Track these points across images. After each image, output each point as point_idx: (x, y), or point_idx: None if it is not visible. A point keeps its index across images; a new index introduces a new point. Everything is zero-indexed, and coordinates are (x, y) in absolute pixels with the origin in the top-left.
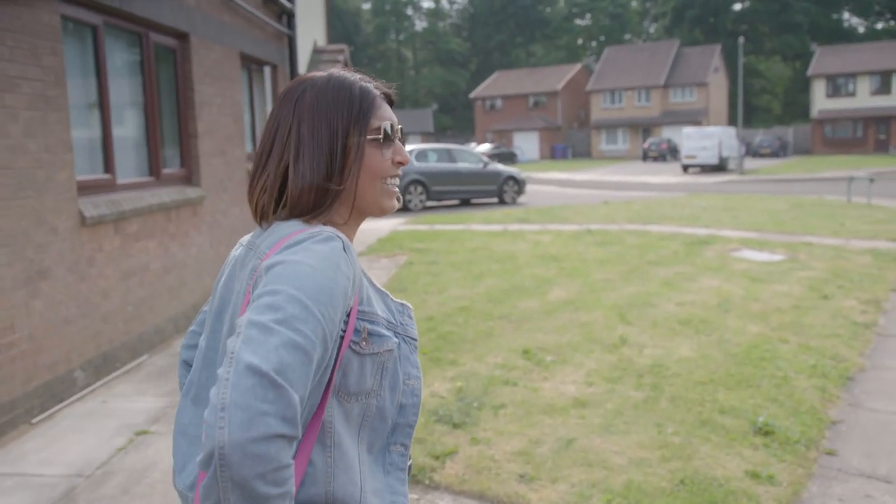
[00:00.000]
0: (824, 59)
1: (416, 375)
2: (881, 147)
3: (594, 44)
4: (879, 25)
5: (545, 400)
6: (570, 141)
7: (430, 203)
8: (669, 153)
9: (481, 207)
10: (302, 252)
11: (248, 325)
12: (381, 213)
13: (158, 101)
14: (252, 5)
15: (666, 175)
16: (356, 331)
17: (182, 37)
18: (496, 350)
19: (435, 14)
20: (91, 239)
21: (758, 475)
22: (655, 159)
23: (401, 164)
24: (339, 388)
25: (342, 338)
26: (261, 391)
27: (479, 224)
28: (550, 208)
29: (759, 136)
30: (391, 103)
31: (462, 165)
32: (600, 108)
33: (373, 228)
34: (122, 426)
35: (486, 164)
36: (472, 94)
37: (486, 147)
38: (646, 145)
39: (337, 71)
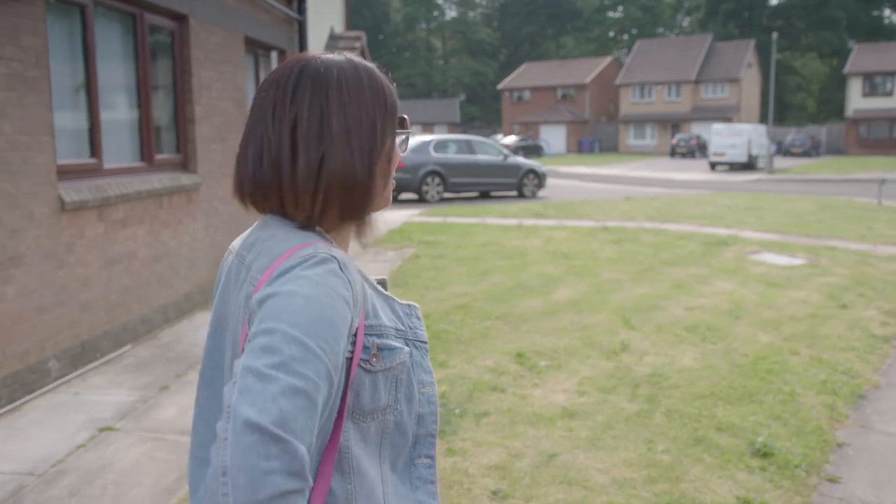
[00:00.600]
0: (862, 57)
1: (429, 381)
2: None
3: (626, 37)
4: None
5: (532, 409)
6: (598, 135)
7: (447, 195)
8: (698, 150)
9: (500, 200)
10: (294, 281)
11: (243, 372)
12: (386, 206)
13: (153, 84)
14: None
15: (693, 172)
16: (365, 348)
17: (180, 18)
18: (489, 352)
19: (465, 3)
20: (71, 225)
21: (749, 502)
22: (684, 156)
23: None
24: (352, 409)
25: (350, 359)
26: (263, 448)
27: (494, 218)
28: (570, 203)
29: (791, 135)
30: None
31: (481, 157)
32: (629, 103)
33: (386, 219)
34: (89, 421)
35: (506, 157)
36: (500, 86)
37: (512, 139)
38: (674, 141)
39: (352, 56)
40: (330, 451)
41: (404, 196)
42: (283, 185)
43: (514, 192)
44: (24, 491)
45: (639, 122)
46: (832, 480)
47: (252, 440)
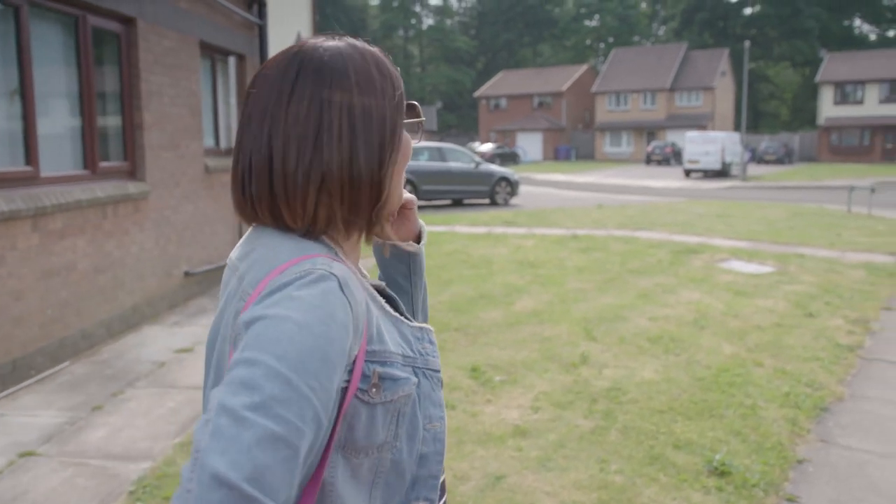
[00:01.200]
0: (833, 66)
1: (439, 416)
2: (888, 156)
3: (602, 45)
4: (891, 33)
5: (482, 427)
6: (575, 142)
7: (419, 203)
8: (673, 157)
9: (472, 208)
10: (286, 303)
11: (218, 411)
12: (398, 206)
13: (98, 89)
14: None
15: (668, 179)
16: (364, 376)
17: (127, 21)
18: (443, 367)
19: (443, 12)
20: (2, 235)
21: None
22: (659, 163)
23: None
24: (344, 443)
25: (345, 389)
26: None
27: (464, 226)
28: (542, 211)
29: (765, 142)
30: None
31: (453, 165)
32: (605, 110)
33: None
34: (10, 445)
35: (478, 165)
36: (477, 93)
37: (488, 146)
38: (650, 149)
39: (354, 40)
40: (312, 487)
41: None
42: (276, 195)
43: (487, 200)
44: None
45: (615, 129)
46: (791, 500)
47: (219, 497)
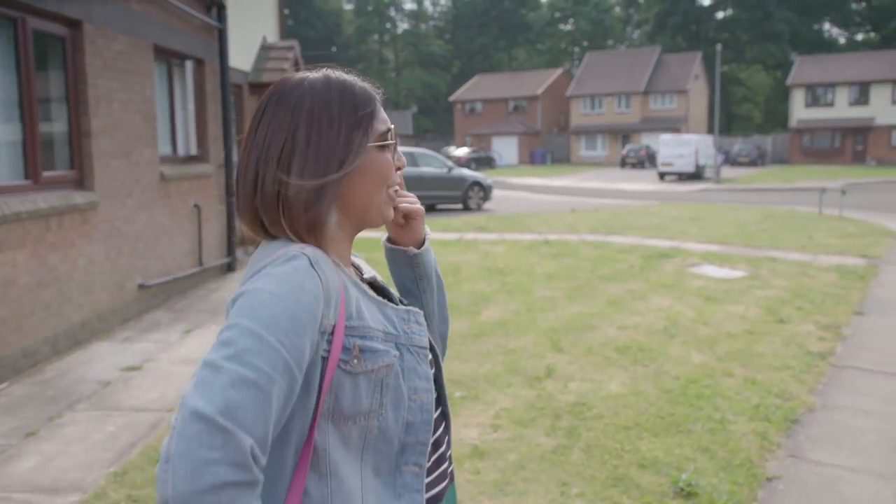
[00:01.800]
0: (804, 69)
1: (424, 388)
2: (858, 158)
3: (577, 49)
4: (860, 37)
5: None
6: (550, 146)
7: None
8: (648, 160)
9: (445, 214)
10: (262, 279)
11: (202, 365)
12: (384, 222)
13: (41, 95)
14: None
15: (642, 182)
16: (345, 349)
17: (73, 24)
18: None
19: (417, 16)
20: None
21: None
22: (634, 166)
23: (398, 168)
24: (333, 412)
25: (326, 359)
26: (206, 438)
27: (436, 232)
28: (514, 216)
29: (738, 145)
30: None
31: (425, 170)
32: (580, 114)
33: None
34: None
35: (450, 169)
36: (452, 97)
37: (464, 151)
38: (624, 152)
39: (333, 71)
40: (305, 454)
41: None
42: (258, 210)
43: (460, 205)
44: None
45: (590, 133)
46: None
47: (196, 429)
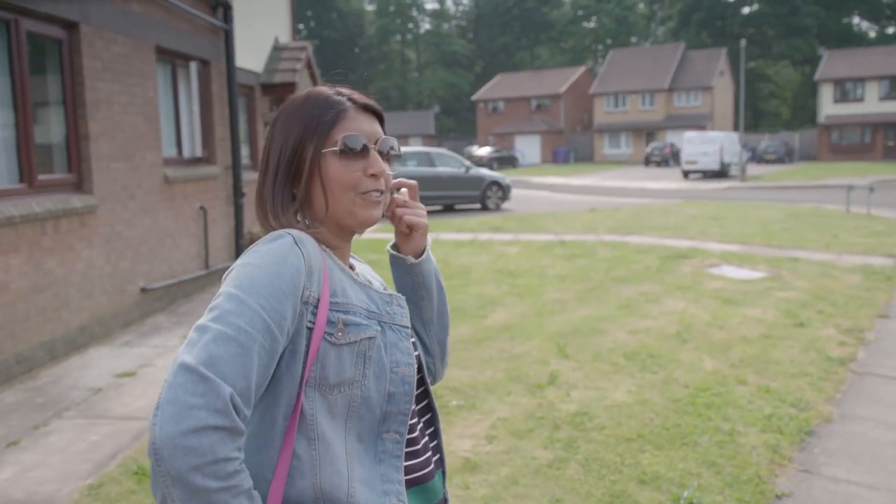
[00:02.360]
0: (832, 64)
1: (406, 362)
2: (889, 154)
3: (600, 47)
4: (890, 30)
5: None
6: (573, 145)
7: None
8: (672, 158)
9: (462, 214)
10: (249, 254)
11: (192, 330)
12: (359, 224)
13: (37, 98)
14: None
15: (666, 181)
16: (330, 322)
17: (70, 26)
18: None
19: (439, 16)
20: None
21: None
22: (658, 164)
23: (374, 175)
24: (319, 381)
25: (311, 329)
26: (191, 386)
27: (450, 233)
28: (532, 216)
29: (765, 142)
30: (379, 115)
31: (442, 170)
32: (604, 112)
33: None
34: None
35: (468, 169)
36: (474, 97)
37: (486, 150)
38: (648, 150)
39: (320, 87)
40: (294, 419)
41: None
42: (257, 202)
43: (478, 205)
44: None
45: (613, 131)
46: None
47: (183, 379)
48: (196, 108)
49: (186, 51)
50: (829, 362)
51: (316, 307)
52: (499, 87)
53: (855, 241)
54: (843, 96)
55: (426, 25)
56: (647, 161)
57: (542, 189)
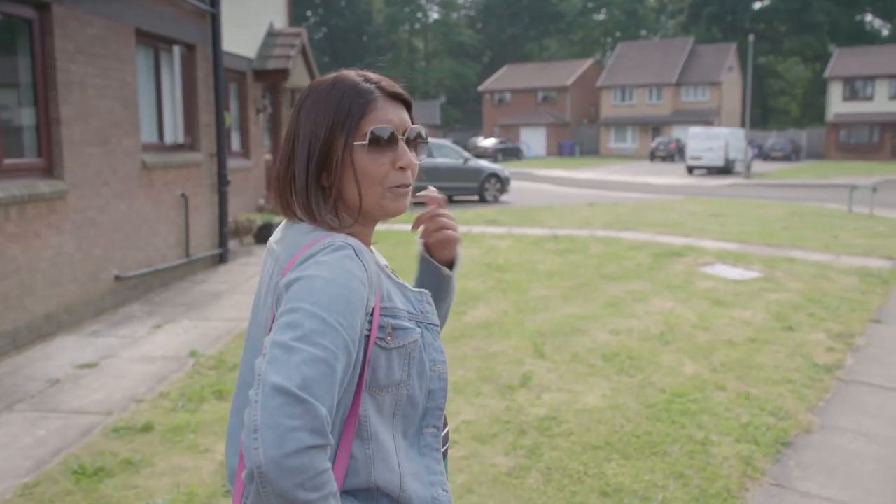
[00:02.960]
0: (842, 61)
1: (440, 360)
2: None
3: (609, 40)
4: None
5: None
6: (579, 137)
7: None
8: (678, 153)
9: (459, 205)
10: (315, 266)
11: (271, 345)
12: (387, 216)
13: (3, 80)
14: None
15: (670, 176)
16: (380, 327)
17: (42, 7)
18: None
19: (448, 5)
20: None
21: None
22: (664, 159)
23: (403, 168)
24: (370, 383)
25: (367, 337)
26: (288, 409)
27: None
28: (529, 209)
29: (772, 139)
30: (407, 103)
31: (440, 161)
32: (610, 105)
33: None
34: None
35: (466, 160)
36: (481, 88)
37: (491, 141)
38: (654, 144)
39: (347, 72)
40: (351, 420)
41: None
42: (280, 189)
43: (476, 197)
44: None
45: (620, 124)
46: None
47: (279, 402)
48: (179, 93)
49: (169, 34)
50: (814, 369)
51: (371, 315)
52: (506, 78)
53: (855, 241)
54: (852, 94)
55: (434, 15)
56: (653, 156)
57: (545, 182)
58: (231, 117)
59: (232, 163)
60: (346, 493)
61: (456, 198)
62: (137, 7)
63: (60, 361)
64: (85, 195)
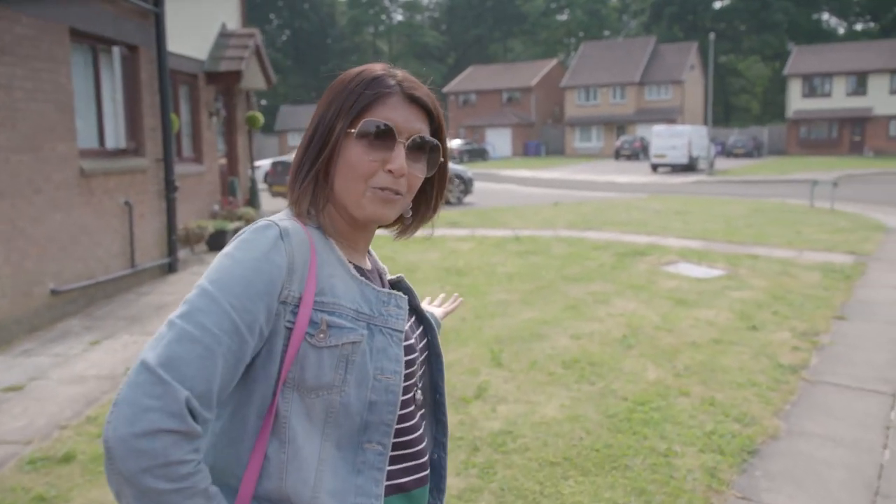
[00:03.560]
0: (801, 59)
1: (392, 370)
2: (856, 148)
3: (573, 40)
4: (858, 26)
5: None
6: (544, 138)
7: None
8: (642, 152)
9: None
10: (234, 244)
11: (164, 323)
12: (366, 218)
13: None
14: None
15: (635, 174)
16: (313, 322)
17: None
18: None
19: (412, 7)
20: None
21: None
22: (628, 158)
23: (391, 172)
24: (297, 383)
25: (290, 329)
26: (149, 387)
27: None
28: (493, 210)
29: (734, 136)
30: (429, 111)
31: None
32: (575, 105)
33: None
34: None
35: None
36: (446, 89)
37: (457, 143)
38: (618, 143)
39: (375, 65)
40: (267, 419)
41: None
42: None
43: None
44: None
45: (584, 124)
46: None
47: (143, 379)
48: (120, 96)
49: (109, 35)
50: (779, 370)
51: (297, 306)
52: (470, 79)
53: (817, 237)
54: (811, 91)
55: (398, 17)
56: (618, 155)
57: (510, 182)
58: (182, 121)
59: (183, 168)
60: (258, 498)
61: None
62: (72, 5)
63: None
64: (14, 205)
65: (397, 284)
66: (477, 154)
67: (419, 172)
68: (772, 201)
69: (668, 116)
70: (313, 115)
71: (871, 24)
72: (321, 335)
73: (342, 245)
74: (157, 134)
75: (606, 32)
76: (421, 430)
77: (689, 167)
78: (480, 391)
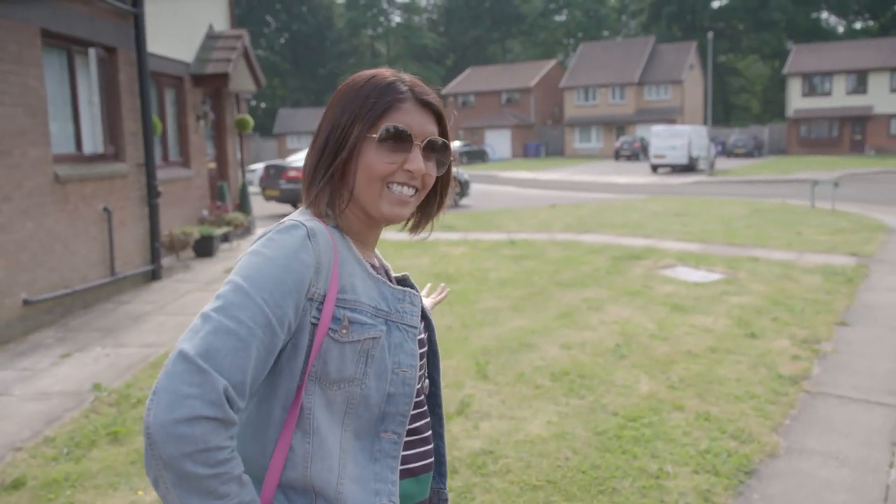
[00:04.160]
0: (800, 58)
1: (409, 364)
2: (856, 147)
3: (571, 40)
4: (858, 25)
5: None
6: (544, 139)
7: None
8: (642, 152)
9: None
10: (262, 243)
11: (198, 316)
12: (383, 217)
13: None
14: None
15: (635, 175)
16: (336, 319)
17: None
18: None
19: (410, 9)
20: None
21: None
22: (628, 158)
23: (410, 172)
24: (320, 376)
25: (315, 325)
26: (188, 376)
27: (396, 232)
28: (489, 213)
29: (734, 136)
30: (437, 115)
31: None
32: (574, 106)
33: None
34: None
35: None
36: (444, 91)
37: (456, 144)
38: (618, 144)
39: (385, 70)
40: (293, 412)
41: None
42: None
43: None
44: None
45: (584, 125)
46: None
47: (181, 368)
48: (97, 99)
49: (84, 36)
50: (779, 381)
51: (322, 303)
52: (469, 80)
53: (818, 238)
54: (811, 90)
55: (397, 19)
56: (618, 155)
57: (508, 184)
58: (169, 125)
59: (169, 173)
60: (282, 486)
61: None
62: (43, 6)
63: None
64: None
65: (403, 282)
66: (476, 156)
67: (432, 171)
68: (772, 202)
69: (668, 116)
70: (323, 120)
71: (870, 23)
72: (344, 331)
73: (357, 243)
74: (138, 138)
75: (605, 33)
76: (428, 418)
77: (689, 167)
78: (463, 406)
